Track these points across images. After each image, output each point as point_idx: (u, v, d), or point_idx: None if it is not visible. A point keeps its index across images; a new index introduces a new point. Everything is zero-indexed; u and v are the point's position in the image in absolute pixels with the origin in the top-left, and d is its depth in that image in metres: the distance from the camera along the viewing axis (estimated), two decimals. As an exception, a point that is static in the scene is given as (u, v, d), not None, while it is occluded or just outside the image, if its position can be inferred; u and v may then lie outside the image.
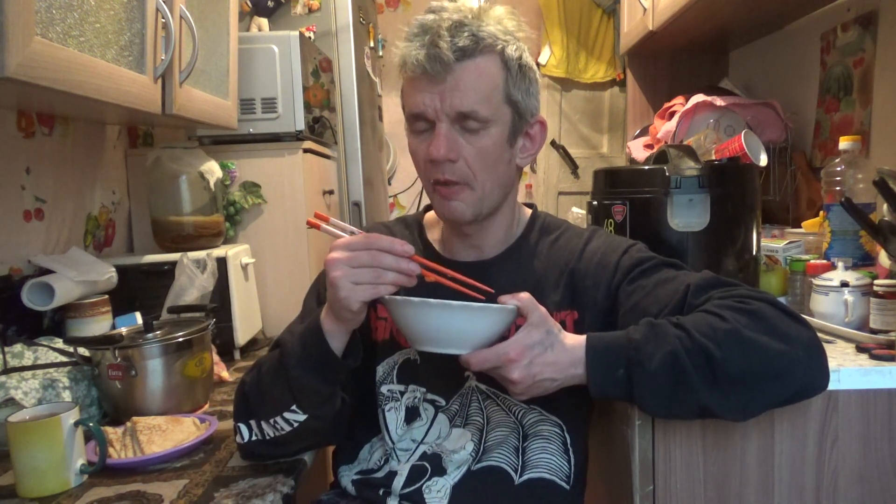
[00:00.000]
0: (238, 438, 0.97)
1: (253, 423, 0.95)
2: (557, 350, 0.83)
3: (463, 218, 0.98)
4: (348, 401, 1.01)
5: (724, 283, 0.92)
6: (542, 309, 0.85)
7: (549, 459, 1.00)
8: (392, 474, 0.99)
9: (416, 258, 0.86)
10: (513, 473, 0.98)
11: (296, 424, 0.93)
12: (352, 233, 0.88)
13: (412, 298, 0.84)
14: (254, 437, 0.96)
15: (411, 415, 1.01)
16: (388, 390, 1.02)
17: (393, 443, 1.01)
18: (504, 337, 0.85)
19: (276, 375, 0.92)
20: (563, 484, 1.00)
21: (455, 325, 0.82)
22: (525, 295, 0.85)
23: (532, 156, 1.03)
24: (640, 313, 0.91)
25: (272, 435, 0.94)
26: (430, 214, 1.11)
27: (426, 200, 1.04)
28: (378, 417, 1.03)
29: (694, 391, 0.82)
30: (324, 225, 0.89)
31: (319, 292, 1.07)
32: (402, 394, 1.02)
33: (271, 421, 0.93)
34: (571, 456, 1.01)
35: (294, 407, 0.91)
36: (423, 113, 0.93)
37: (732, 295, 0.88)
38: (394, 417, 1.02)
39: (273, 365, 0.93)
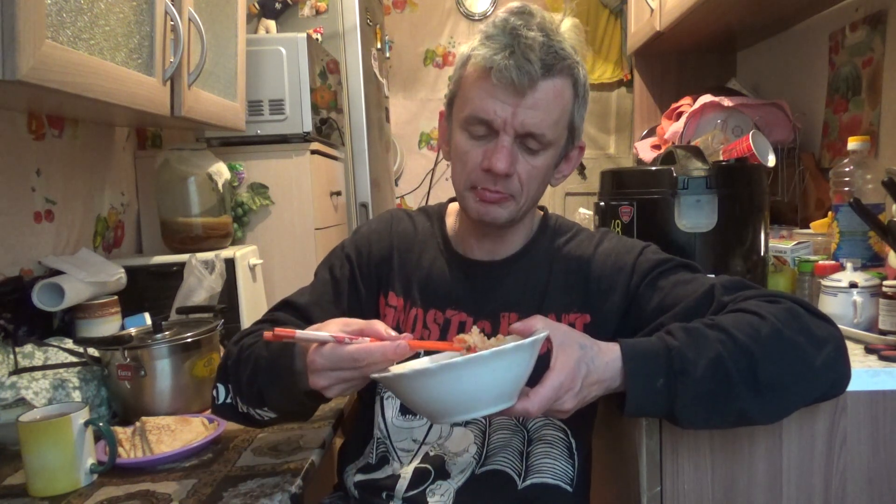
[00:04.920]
0: (214, 393, 0.97)
1: (231, 387, 0.95)
2: (599, 367, 0.79)
3: (497, 222, 0.97)
4: None
5: (751, 284, 0.93)
6: (562, 325, 0.82)
7: (552, 464, 0.99)
8: (395, 477, 0.99)
9: (411, 344, 0.76)
10: (516, 478, 0.98)
11: (267, 419, 0.95)
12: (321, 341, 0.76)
13: (435, 365, 0.69)
14: (228, 401, 0.96)
15: (407, 407, 1.01)
16: None
17: (384, 433, 1.01)
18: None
19: (252, 376, 0.90)
20: (567, 487, 1.00)
21: (499, 379, 0.69)
22: (537, 318, 0.80)
23: (564, 177, 1.03)
24: (663, 313, 0.91)
25: (245, 411, 0.95)
26: (453, 206, 1.10)
27: (433, 200, 1.04)
28: (376, 406, 1.03)
29: (736, 398, 0.80)
30: (299, 333, 0.76)
31: (333, 265, 1.07)
32: None
33: (244, 408, 0.94)
34: (575, 459, 1.01)
35: (266, 409, 0.92)
36: (491, 121, 0.91)
37: (763, 294, 0.89)
38: (390, 405, 1.02)
39: (251, 360, 0.91)
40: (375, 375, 0.75)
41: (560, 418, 0.81)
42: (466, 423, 0.99)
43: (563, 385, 0.76)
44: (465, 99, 0.95)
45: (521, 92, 0.89)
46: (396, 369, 0.75)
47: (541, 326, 0.79)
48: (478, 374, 0.66)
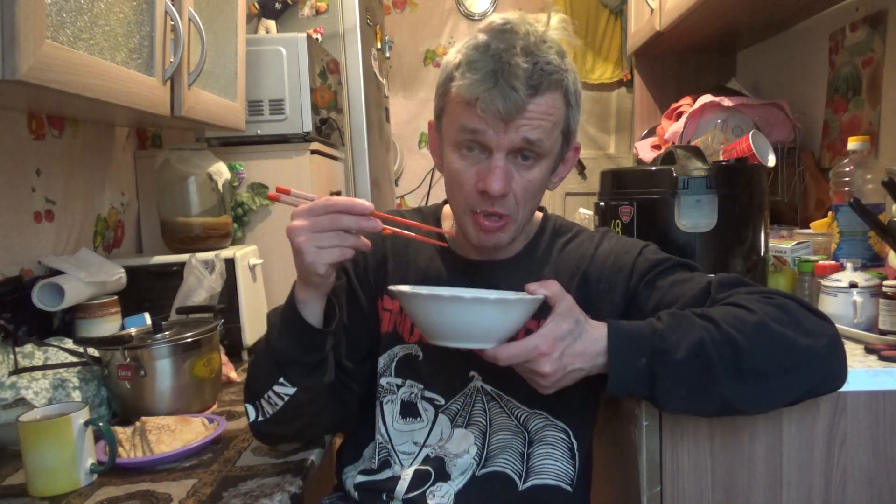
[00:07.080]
0: (248, 419, 0.99)
1: (256, 402, 0.97)
2: (585, 340, 0.82)
3: (500, 245, 0.98)
4: (357, 390, 1.02)
5: (747, 282, 0.93)
6: (570, 297, 0.84)
7: (553, 465, 0.99)
8: (395, 478, 0.99)
9: (377, 214, 0.85)
10: (517, 479, 0.98)
11: (286, 398, 0.93)
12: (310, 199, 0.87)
13: (439, 293, 0.82)
14: (260, 418, 0.97)
15: (407, 410, 1.01)
16: (388, 382, 1.03)
17: (386, 437, 1.01)
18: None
19: (265, 351, 0.94)
20: (567, 487, 1.00)
21: (485, 320, 0.79)
22: (553, 283, 0.84)
23: (561, 179, 1.03)
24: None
25: (271, 412, 0.95)
26: (448, 209, 1.09)
27: (433, 200, 1.04)
28: (376, 410, 1.03)
29: (717, 382, 0.81)
30: (284, 197, 0.87)
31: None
32: (398, 387, 1.02)
33: (266, 396, 0.94)
34: (577, 460, 1.01)
35: (282, 380, 0.92)
36: (483, 133, 0.89)
37: (758, 291, 0.89)
38: (390, 410, 1.02)
39: (264, 343, 0.96)
40: (393, 288, 0.86)
41: (542, 385, 0.83)
42: (467, 425, 0.99)
43: (539, 348, 0.80)
44: (452, 121, 0.93)
45: (509, 117, 0.88)
46: (406, 288, 0.86)
47: (544, 293, 0.82)
48: (458, 310, 0.78)
